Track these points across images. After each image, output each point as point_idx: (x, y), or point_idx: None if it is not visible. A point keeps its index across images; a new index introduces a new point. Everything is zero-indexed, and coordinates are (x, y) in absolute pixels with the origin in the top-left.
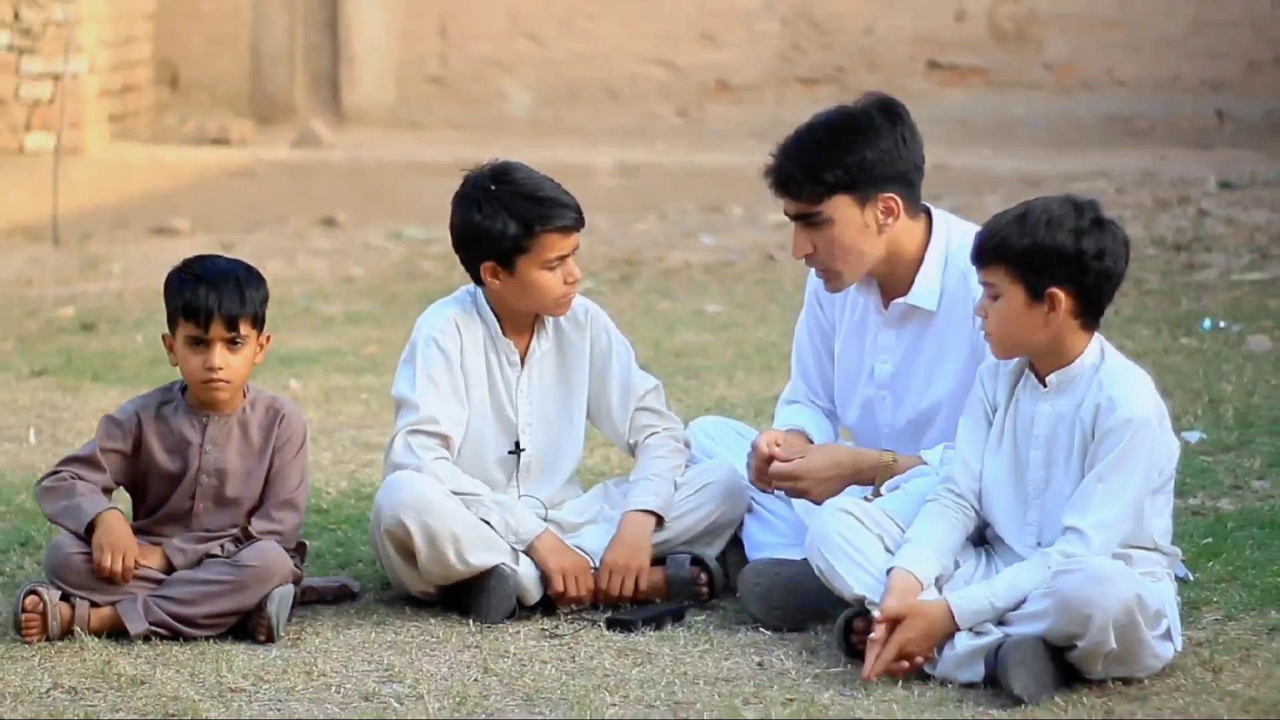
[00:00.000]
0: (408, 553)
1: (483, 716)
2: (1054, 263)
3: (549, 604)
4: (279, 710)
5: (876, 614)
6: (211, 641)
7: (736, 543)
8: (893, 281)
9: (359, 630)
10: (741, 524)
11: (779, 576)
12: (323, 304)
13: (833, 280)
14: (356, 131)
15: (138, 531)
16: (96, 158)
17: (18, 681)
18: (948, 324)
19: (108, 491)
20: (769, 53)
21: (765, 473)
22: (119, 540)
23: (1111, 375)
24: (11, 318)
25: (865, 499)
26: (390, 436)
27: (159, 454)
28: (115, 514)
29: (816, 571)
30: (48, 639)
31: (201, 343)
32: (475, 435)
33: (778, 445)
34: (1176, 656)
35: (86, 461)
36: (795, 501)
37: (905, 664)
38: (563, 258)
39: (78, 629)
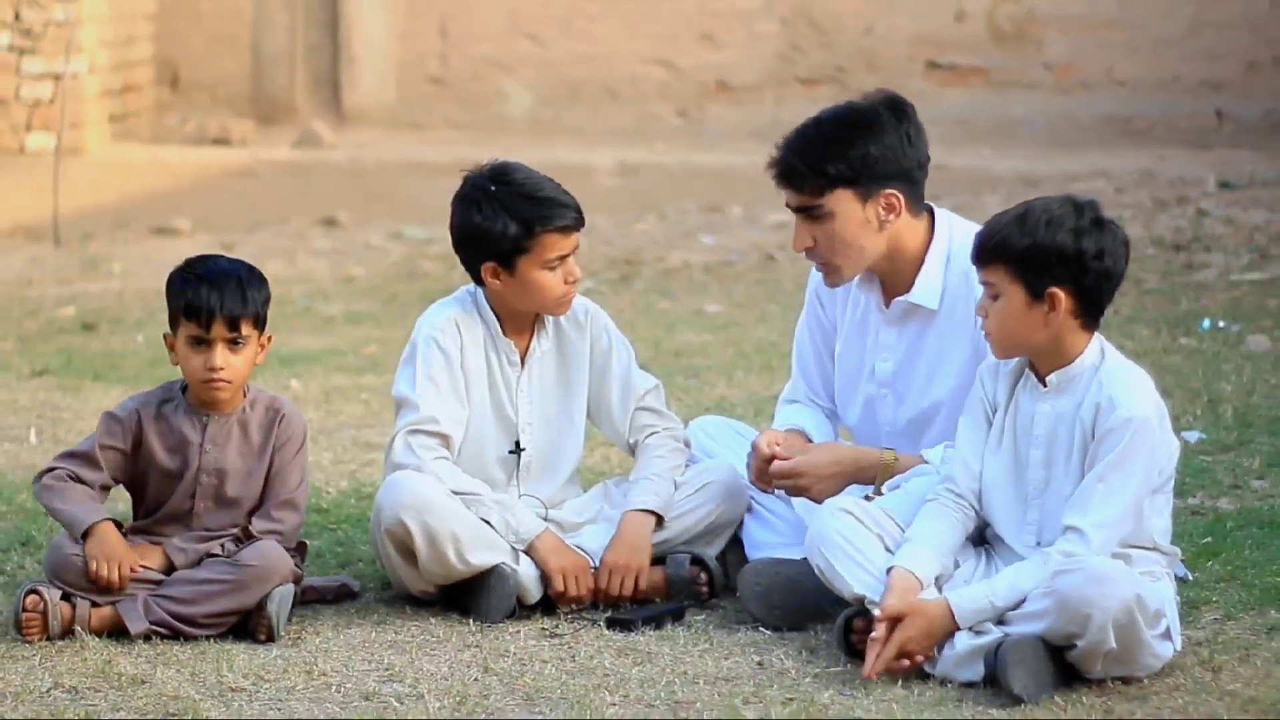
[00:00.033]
0: (408, 552)
1: (483, 716)
2: (1054, 262)
3: (549, 603)
4: (279, 709)
5: (876, 613)
6: (212, 641)
7: (736, 542)
8: (894, 280)
9: (359, 630)
10: (741, 524)
11: (779, 576)
12: (323, 304)
13: (831, 274)
14: (357, 131)
15: (138, 531)
16: (97, 158)
17: (18, 681)
18: (949, 323)
19: (105, 489)
20: (769, 53)
21: (765, 473)
22: (113, 550)
23: (1111, 375)
24: (12, 318)
25: (866, 498)
26: (390, 436)
27: (159, 453)
28: (108, 525)
29: (816, 571)
30: (48, 638)
31: (203, 342)
32: (475, 435)
33: (777, 445)
34: (1176, 656)
35: (85, 458)
36: (795, 501)
37: (905, 663)
38: (563, 257)
39: (78, 628)
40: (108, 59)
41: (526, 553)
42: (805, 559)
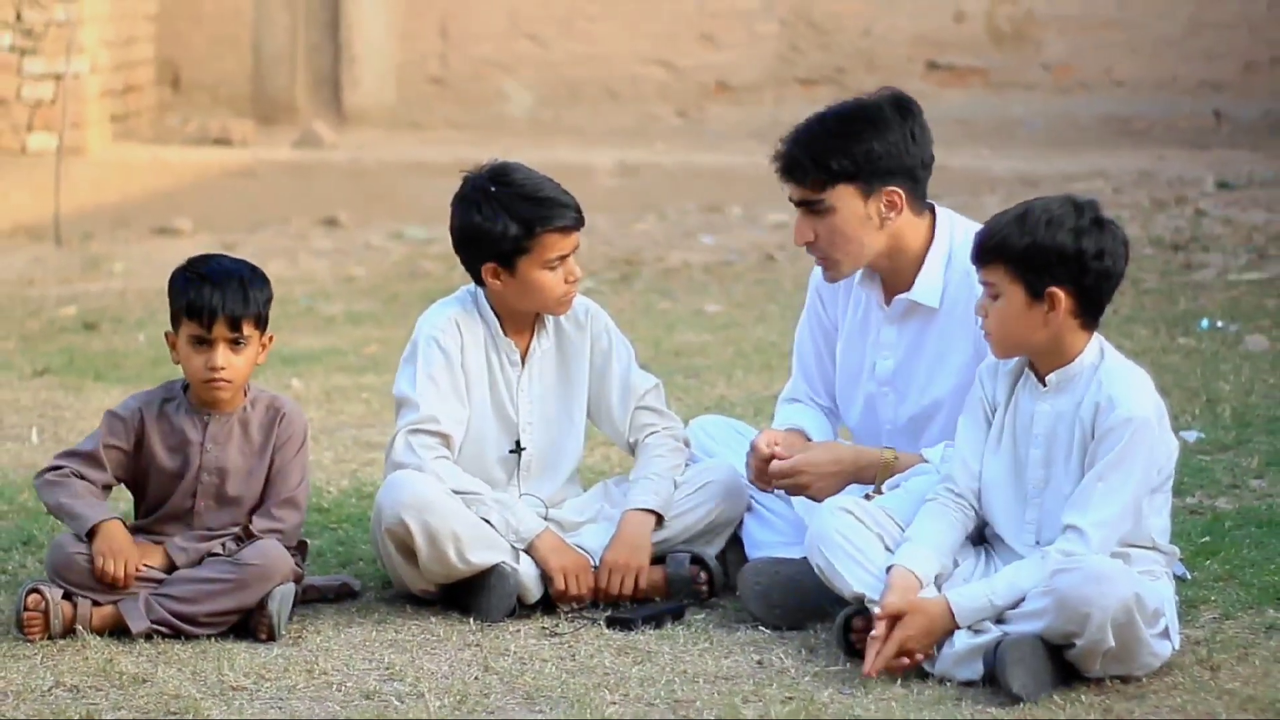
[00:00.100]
0: (408, 551)
1: (483, 715)
2: (1054, 262)
3: (549, 602)
4: (280, 708)
5: (876, 612)
6: (213, 640)
7: (736, 541)
8: (895, 277)
9: (360, 629)
10: (741, 523)
11: (778, 575)
12: (324, 304)
13: (831, 269)
14: (357, 132)
15: (139, 530)
16: (98, 158)
17: (20, 680)
18: (950, 321)
19: (107, 489)
20: (768, 53)
21: (764, 472)
22: (120, 547)
23: (1111, 374)
24: (14, 317)
25: (866, 497)
26: (391, 436)
27: (160, 451)
28: (115, 523)
29: (816, 570)
30: (50, 637)
31: (204, 342)
32: (476, 434)
33: (777, 444)
34: (1174, 655)
35: (88, 458)
36: (795, 500)
37: (905, 661)
38: (563, 257)
39: (80, 627)
40: (109, 59)
41: (527, 552)
42: (805, 558)
